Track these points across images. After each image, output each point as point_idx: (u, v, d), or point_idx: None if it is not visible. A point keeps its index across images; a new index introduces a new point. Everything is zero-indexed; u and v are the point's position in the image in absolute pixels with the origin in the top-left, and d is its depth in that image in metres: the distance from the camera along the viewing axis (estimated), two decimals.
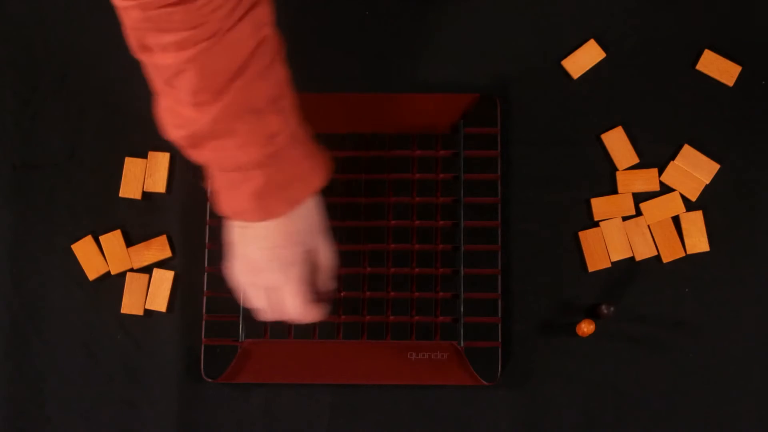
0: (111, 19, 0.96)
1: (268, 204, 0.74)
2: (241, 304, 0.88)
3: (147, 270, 0.93)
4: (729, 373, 0.90)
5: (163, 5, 0.65)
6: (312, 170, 0.76)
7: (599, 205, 0.93)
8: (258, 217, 0.74)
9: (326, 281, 0.83)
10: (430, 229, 0.92)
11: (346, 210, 0.92)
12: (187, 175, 0.93)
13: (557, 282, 0.92)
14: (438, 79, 0.95)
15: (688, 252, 0.92)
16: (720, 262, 0.92)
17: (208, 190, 0.89)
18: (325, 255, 0.81)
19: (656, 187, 0.93)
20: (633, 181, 0.93)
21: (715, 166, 0.93)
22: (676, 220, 0.93)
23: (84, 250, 0.93)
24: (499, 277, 0.91)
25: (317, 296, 0.81)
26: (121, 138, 0.94)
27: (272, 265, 0.77)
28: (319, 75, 0.95)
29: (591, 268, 0.92)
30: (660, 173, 0.93)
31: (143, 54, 0.69)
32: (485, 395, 0.90)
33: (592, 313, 0.91)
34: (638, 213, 0.93)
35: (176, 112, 0.71)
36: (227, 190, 0.75)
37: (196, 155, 0.73)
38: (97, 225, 0.93)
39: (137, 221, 0.93)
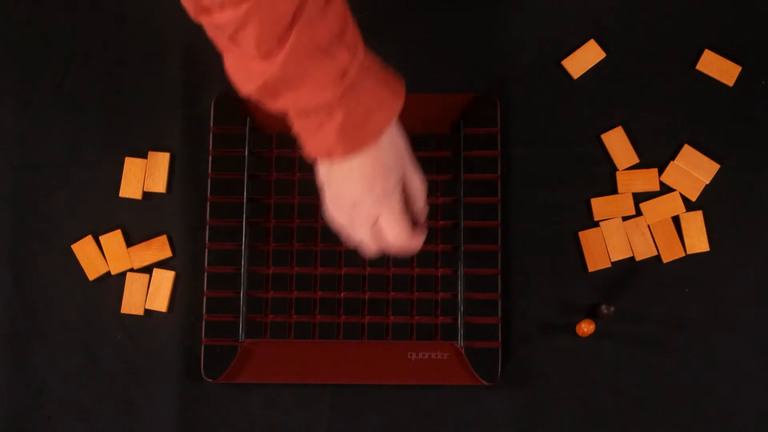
0: (111, 19, 0.97)
1: (354, 138, 0.74)
2: (344, 242, 0.86)
3: (147, 270, 0.93)
4: (729, 373, 0.90)
5: None
6: (390, 96, 0.76)
7: (599, 205, 0.93)
8: (346, 152, 0.74)
9: (420, 206, 0.83)
10: (430, 230, 0.91)
11: None
12: (188, 174, 0.94)
13: (557, 282, 0.92)
14: (438, 79, 0.95)
15: (688, 252, 0.92)
16: (720, 262, 0.92)
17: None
18: (415, 179, 0.81)
19: (656, 187, 0.93)
20: (633, 181, 0.93)
21: (715, 166, 0.93)
22: (676, 220, 0.93)
23: (84, 250, 0.93)
24: (499, 277, 0.91)
25: (414, 223, 0.82)
26: (121, 138, 0.94)
27: (370, 196, 0.77)
28: None
29: (591, 268, 0.92)
30: (660, 173, 0.93)
31: (202, 16, 0.69)
32: (485, 395, 0.90)
33: (592, 313, 0.91)
34: (638, 213, 0.93)
35: (245, 67, 0.71)
36: (312, 134, 0.74)
37: (274, 104, 0.73)
38: (97, 225, 0.93)
39: (137, 221, 0.93)
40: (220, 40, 0.72)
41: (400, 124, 0.78)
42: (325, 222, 0.85)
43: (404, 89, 0.77)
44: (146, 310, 0.92)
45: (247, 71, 0.71)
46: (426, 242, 0.91)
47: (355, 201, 0.78)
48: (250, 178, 0.92)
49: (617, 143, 0.94)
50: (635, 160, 0.93)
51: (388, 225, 0.79)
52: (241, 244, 0.91)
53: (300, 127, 0.75)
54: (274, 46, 0.69)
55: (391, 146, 0.77)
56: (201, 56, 0.96)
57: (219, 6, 0.67)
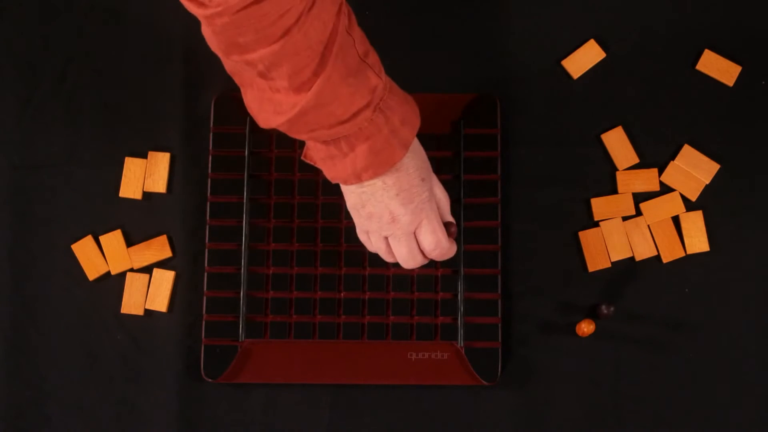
0: (111, 19, 0.97)
1: (384, 154, 0.75)
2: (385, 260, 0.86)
3: (147, 270, 0.93)
4: (729, 373, 0.90)
5: (248, 4, 0.64)
6: (410, 110, 0.77)
7: (599, 205, 0.93)
8: (379, 170, 0.75)
9: (446, 216, 0.84)
10: None
11: (347, 210, 0.92)
12: (188, 175, 0.94)
13: (557, 282, 0.92)
14: (438, 79, 0.95)
15: (688, 252, 0.92)
16: (720, 262, 0.92)
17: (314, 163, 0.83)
18: (440, 187, 0.83)
19: (656, 187, 0.93)
20: (633, 181, 0.93)
21: (715, 166, 0.93)
22: (676, 220, 0.93)
23: (84, 250, 0.93)
24: (499, 277, 0.91)
25: (448, 231, 0.83)
26: (121, 138, 0.94)
27: (408, 208, 0.78)
28: None
29: (591, 268, 0.92)
30: (660, 173, 0.93)
31: (233, 54, 0.69)
32: (485, 395, 0.90)
33: (592, 313, 0.91)
34: (638, 213, 0.93)
35: (271, 100, 0.71)
36: (337, 159, 0.75)
37: (302, 134, 0.73)
38: (97, 225, 0.93)
39: (137, 221, 0.93)
40: (246, 76, 0.72)
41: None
42: (360, 246, 0.87)
43: (415, 103, 0.79)
44: (146, 310, 0.92)
45: (274, 104, 0.71)
46: None
47: (394, 216, 0.78)
48: (250, 178, 0.92)
49: (617, 143, 0.94)
50: (635, 160, 0.93)
51: (426, 235, 0.80)
52: (241, 244, 0.91)
53: (326, 154, 0.76)
54: (309, 76, 0.69)
55: (417, 155, 0.78)
56: (201, 56, 0.96)
57: (254, 42, 0.67)
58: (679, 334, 0.91)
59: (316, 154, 0.77)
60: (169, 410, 0.91)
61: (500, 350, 0.90)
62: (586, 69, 0.95)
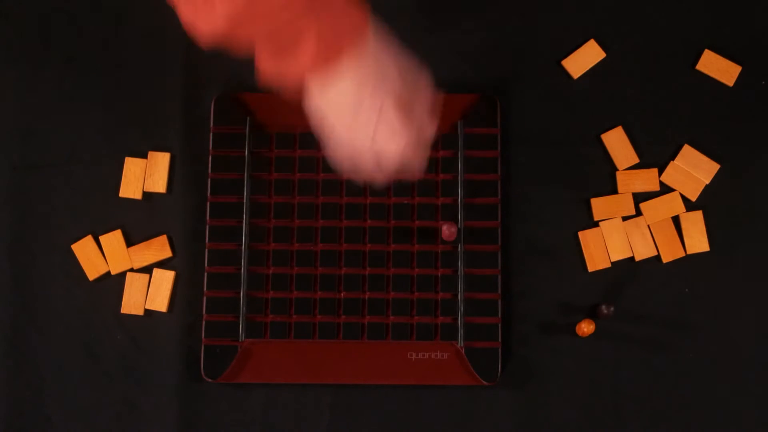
0: (111, 19, 0.97)
1: (329, 56, 0.73)
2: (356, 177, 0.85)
3: (147, 270, 0.93)
4: (728, 373, 0.90)
5: None
6: (357, 16, 0.75)
7: (599, 205, 0.93)
8: (329, 61, 0.73)
9: (423, 115, 0.80)
10: (430, 229, 0.92)
11: (347, 209, 0.92)
12: (190, 172, 0.94)
13: (557, 282, 0.92)
14: (438, 79, 0.95)
15: (688, 252, 0.92)
16: (720, 262, 0.92)
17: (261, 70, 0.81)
18: (412, 89, 0.79)
19: (656, 187, 0.93)
20: (633, 181, 0.93)
21: (715, 166, 0.93)
22: (676, 220, 0.93)
23: (84, 250, 0.93)
24: (499, 277, 0.91)
25: (417, 137, 0.79)
26: (121, 138, 0.94)
27: (366, 90, 0.75)
28: None
29: (591, 268, 0.92)
30: (660, 173, 0.93)
31: None
32: (485, 395, 0.90)
33: (592, 313, 0.91)
34: (638, 213, 0.93)
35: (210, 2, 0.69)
36: (283, 58, 0.73)
37: (244, 29, 0.71)
38: (97, 225, 0.93)
39: (137, 221, 0.93)
40: None
41: (388, 40, 0.78)
42: (332, 165, 0.83)
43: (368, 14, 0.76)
44: (146, 310, 0.92)
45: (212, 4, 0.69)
46: (426, 242, 0.91)
47: (354, 102, 0.75)
48: (250, 178, 0.92)
49: (617, 143, 0.94)
50: (635, 160, 0.93)
51: (389, 134, 0.76)
52: (241, 244, 0.91)
53: (275, 52, 0.73)
54: None
55: (377, 56, 0.76)
56: (201, 56, 0.95)
57: None
58: (679, 334, 0.91)
59: (266, 57, 0.75)
60: (169, 410, 0.91)
61: (500, 350, 0.90)
62: (586, 69, 0.95)
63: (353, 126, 0.77)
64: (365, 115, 0.76)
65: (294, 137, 0.93)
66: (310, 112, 0.79)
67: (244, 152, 0.93)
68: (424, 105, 0.80)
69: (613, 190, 0.93)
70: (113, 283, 0.93)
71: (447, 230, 0.88)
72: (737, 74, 0.94)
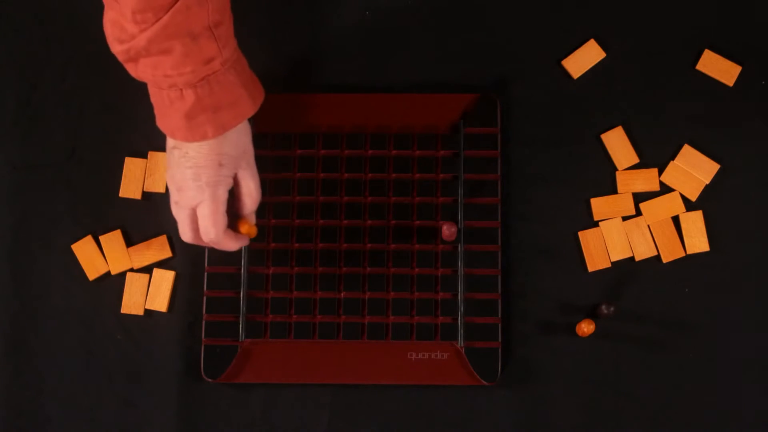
0: None
1: (197, 125, 0.78)
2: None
3: (147, 270, 0.93)
4: (728, 373, 0.90)
5: None
6: (244, 97, 0.80)
7: (599, 205, 0.93)
8: (188, 137, 0.78)
9: (248, 210, 0.85)
10: (430, 230, 0.92)
11: (347, 209, 0.92)
12: None
13: (557, 282, 0.92)
14: (438, 79, 0.95)
15: (688, 252, 0.92)
16: (720, 262, 0.92)
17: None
18: (249, 183, 0.84)
19: (656, 187, 0.93)
20: (633, 181, 0.93)
21: (715, 166, 0.93)
22: (676, 220, 0.93)
23: (84, 250, 0.93)
24: (499, 277, 0.91)
25: (238, 224, 0.85)
26: (121, 138, 0.94)
27: (194, 183, 0.80)
28: (319, 75, 0.95)
29: (591, 268, 0.92)
30: (660, 173, 0.93)
31: None
32: (485, 395, 0.90)
33: (592, 313, 0.91)
34: (638, 213, 0.93)
35: (120, 26, 0.74)
36: (162, 108, 0.78)
37: (134, 71, 0.77)
38: (97, 225, 0.93)
39: (137, 221, 0.93)
40: None
41: (250, 126, 0.83)
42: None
43: (263, 98, 0.82)
44: (146, 310, 0.92)
45: (120, 31, 0.74)
46: (426, 242, 0.91)
47: (180, 185, 0.81)
48: None
49: (617, 143, 0.94)
50: (635, 160, 0.93)
51: (203, 216, 0.81)
52: None
53: (155, 99, 0.79)
54: (150, 17, 0.72)
55: (231, 144, 0.80)
56: None
57: None
58: (679, 334, 0.91)
59: (152, 96, 0.79)
60: (169, 410, 0.91)
61: (500, 350, 0.90)
62: (586, 69, 0.95)
63: (182, 189, 0.82)
64: (195, 187, 0.81)
65: (294, 137, 0.93)
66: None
67: None
68: (250, 202, 0.86)
69: (613, 190, 0.93)
70: (113, 283, 0.93)
71: (447, 230, 0.88)
72: (737, 74, 0.94)
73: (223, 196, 0.81)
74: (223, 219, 0.81)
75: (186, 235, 0.83)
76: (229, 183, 0.82)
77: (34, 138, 0.95)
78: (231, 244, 0.84)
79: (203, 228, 0.81)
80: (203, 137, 0.78)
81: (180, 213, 0.83)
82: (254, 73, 0.83)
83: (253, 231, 0.86)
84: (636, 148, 0.93)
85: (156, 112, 0.80)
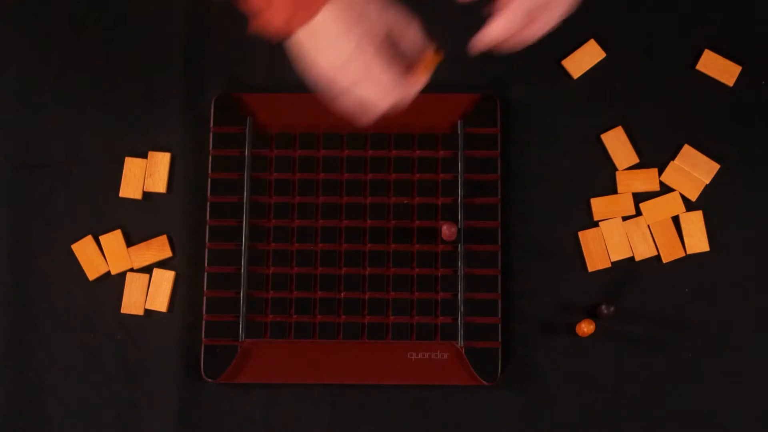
0: (111, 19, 0.97)
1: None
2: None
3: (147, 270, 0.93)
4: (728, 373, 0.90)
5: None
6: None
7: (599, 205, 0.93)
8: (306, 16, 0.73)
9: (413, 50, 0.79)
10: (430, 230, 0.92)
11: (347, 210, 0.92)
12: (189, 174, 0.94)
13: (557, 282, 0.92)
14: (438, 79, 0.95)
15: (688, 252, 0.92)
16: (720, 262, 0.92)
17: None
18: (399, 27, 0.78)
19: (656, 187, 0.93)
20: (633, 181, 0.93)
21: (715, 166, 0.93)
22: (676, 220, 0.93)
23: (84, 250, 0.93)
24: (499, 277, 0.91)
25: (407, 68, 0.78)
26: (121, 138, 0.94)
27: (349, 43, 0.75)
28: None
29: (591, 268, 0.92)
30: (660, 173, 0.93)
31: None
32: (485, 395, 0.90)
33: (592, 313, 0.91)
34: (638, 213, 0.93)
35: None
36: (267, 6, 0.73)
37: None
38: (97, 225, 0.93)
39: (137, 221, 0.93)
40: None
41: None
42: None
43: None
44: (146, 310, 0.92)
45: None
46: (426, 242, 0.91)
47: (338, 63, 0.75)
48: (250, 178, 0.92)
49: (617, 143, 0.94)
50: (635, 160, 0.93)
51: (376, 77, 0.76)
52: (241, 244, 0.91)
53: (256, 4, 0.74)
54: None
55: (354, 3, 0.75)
56: (201, 56, 0.96)
57: None
58: (679, 334, 0.91)
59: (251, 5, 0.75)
60: (169, 410, 0.91)
61: (500, 350, 0.90)
62: (586, 69, 0.95)
63: (336, 67, 0.76)
64: (348, 55, 0.75)
65: (294, 137, 0.93)
66: (295, 56, 0.78)
67: (244, 152, 0.93)
68: (410, 48, 0.79)
69: (613, 190, 0.93)
70: (113, 283, 0.93)
71: (447, 230, 0.88)
72: (737, 74, 0.94)
73: (384, 48, 0.76)
74: (394, 73, 0.76)
75: (367, 115, 0.78)
76: (383, 38, 0.76)
77: (34, 138, 0.95)
78: (411, 90, 0.79)
79: (386, 90, 0.76)
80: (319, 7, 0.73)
81: (349, 94, 0.77)
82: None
83: (438, 56, 0.80)
84: (636, 148, 0.94)
85: (266, 13, 0.74)
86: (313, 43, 0.76)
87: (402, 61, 0.78)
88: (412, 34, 0.79)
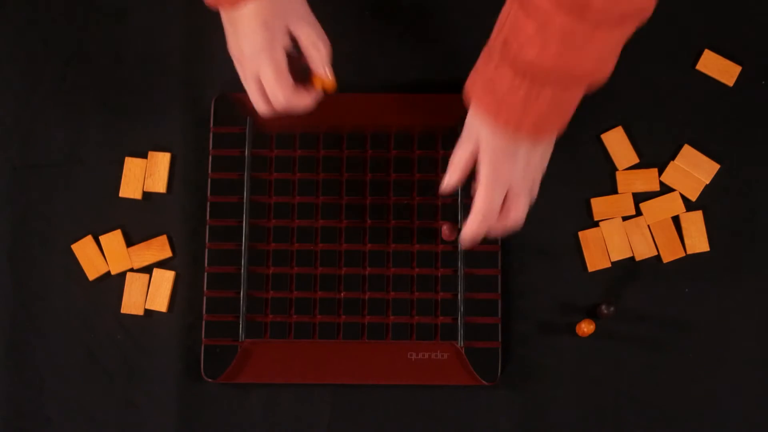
0: (111, 19, 0.97)
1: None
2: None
3: (147, 270, 0.93)
4: (728, 373, 0.90)
5: None
6: None
7: (599, 205, 0.93)
8: (229, 2, 0.77)
9: (316, 63, 0.81)
10: (430, 230, 0.92)
11: (347, 210, 0.92)
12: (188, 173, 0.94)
13: (557, 282, 0.92)
14: (438, 79, 0.95)
15: (688, 252, 0.92)
16: (720, 262, 0.92)
17: None
18: (306, 33, 0.81)
19: (656, 187, 0.93)
20: (633, 181, 0.93)
21: (715, 166, 0.93)
22: (676, 220, 0.93)
23: (84, 250, 0.93)
24: (499, 277, 0.91)
25: (305, 81, 0.81)
26: (121, 138, 0.94)
27: (248, 52, 0.79)
28: None
29: (591, 268, 0.92)
30: (660, 173, 0.93)
31: None
32: (485, 395, 0.90)
33: (592, 313, 0.91)
34: (638, 213, 0.93)
35: None
36: None
37: None
38: (97, 225, 0.93)
39: (137, 221, 0.93)
40: None
41: None
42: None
43: None
44: (146, 310, 0.92)
45: None
46: (426, 243, 0.91)
47: (239, 59, 0.80)
48: (250, 178, 0.92)
49: (617, 143, 0.94)
50: (635, 160, 0.93)
51: (266, 82, 0.79)
52: (241, 244, 0.91)
53: None
54: None
55: (273, 4, 0.78)
56: (201, 56, 0.96)
57: None
58: (679, 334, 0.91)
59: None
60: (169, 410, 0.91)
61: (500, 350, 0.90)
62: None
63: (242, 59, 0.80)
64: (250, 53, 0.79)
65: (294, 137, 0.93)
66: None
67: (244, 152, 0.93)
68: (316, 54, 0.82)
69: (613, 190, 0.93)
70: (113, 283, 0.93)
71: (447, 230, 0.88)
72: (737, 74, 0.94)
73: (280, 56, 0.79)
74: (286, 80, 0.79)
75: (260, 106, 0.82)
76: (285, 42, 0.80)
77: (34, 138, 0.95)
78: (302, 100, 0.81)
79: (270, 94, 0.80)
80: (231, 4, 0.77)
81: (249, 86, 0.81)
82: None
83: (329, 84, 0.82)
84: (636, 148, 0.93)
85: None
86: (233, 29, 0.80)
87: (298, 75, 0.81)
88: (316, 54, 0.82)
